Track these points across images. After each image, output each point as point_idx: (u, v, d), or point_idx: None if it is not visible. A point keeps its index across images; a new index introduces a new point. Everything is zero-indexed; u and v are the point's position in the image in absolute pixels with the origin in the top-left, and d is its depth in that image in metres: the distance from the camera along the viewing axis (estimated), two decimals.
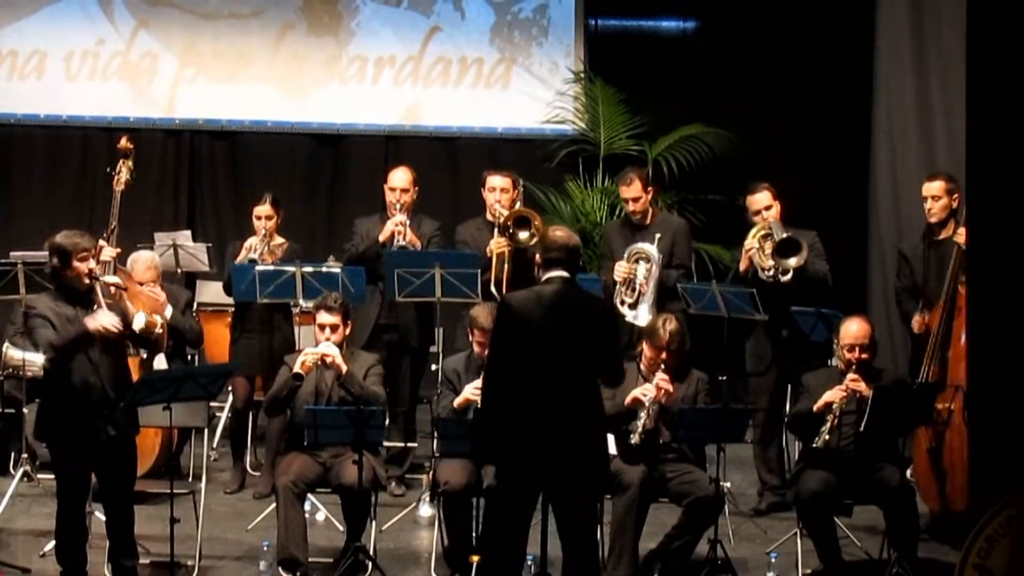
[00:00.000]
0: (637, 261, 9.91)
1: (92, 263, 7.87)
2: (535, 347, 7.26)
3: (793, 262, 9.48)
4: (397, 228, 10.01)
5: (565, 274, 7.39)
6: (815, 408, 8.44)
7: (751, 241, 9.64)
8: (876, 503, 8.52)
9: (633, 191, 10.08)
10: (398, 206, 10.10)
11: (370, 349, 9.61)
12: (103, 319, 7.71)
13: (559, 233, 7.56)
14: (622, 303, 9.83)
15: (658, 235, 9.94)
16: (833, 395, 8.41)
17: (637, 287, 9.85)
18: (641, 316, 9.75)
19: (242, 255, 10.12)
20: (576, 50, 13.39)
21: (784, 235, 9.51)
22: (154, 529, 8.56)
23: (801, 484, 8.45)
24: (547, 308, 7.28)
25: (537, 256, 7.54)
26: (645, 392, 8.38)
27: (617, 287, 9.89)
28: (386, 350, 9.98)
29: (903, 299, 9.87)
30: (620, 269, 9.92)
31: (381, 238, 10.07)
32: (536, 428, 7.21)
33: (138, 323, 7.90)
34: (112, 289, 7.91)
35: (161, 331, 8.10)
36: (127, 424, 7.97)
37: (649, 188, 10.14)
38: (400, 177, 10.22)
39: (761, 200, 9.77)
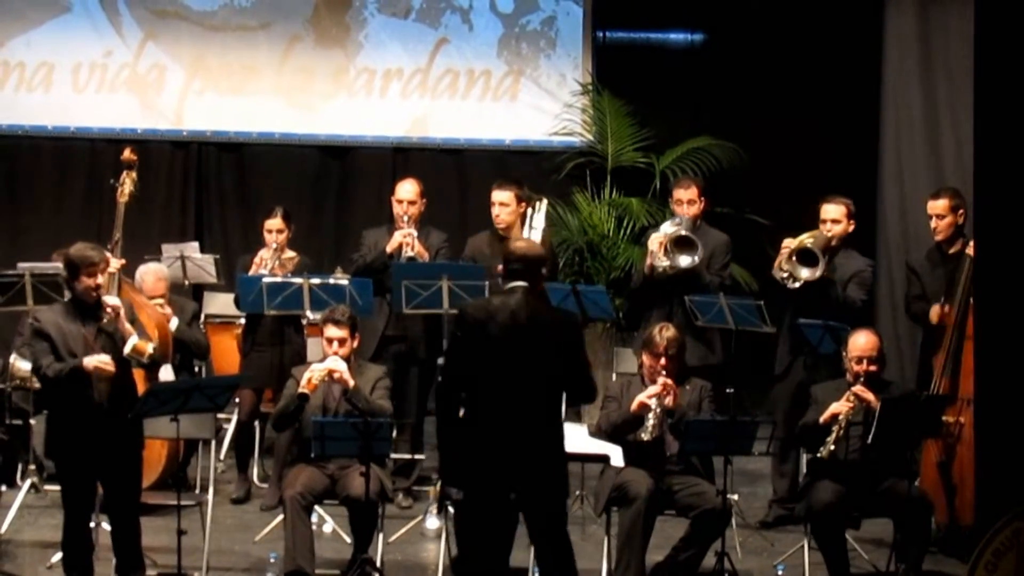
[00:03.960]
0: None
1: (100, 279, 7.91)
2: (492, 355, 7.22)
3: (805, 273, 9.45)
4: (405, 240, 10.02)
5: (525, 284, 7.33)
6: (821, 420, 8.44)
7: (791, 240, 9.59)
8: (888, 515, 8.50)
9: (690, 194, 10.05)
10: (405, 218, 10.11)
11: (377, 360, 9.62)
12: (97, 359, 7.80)
13: (519, 244, 7.55)
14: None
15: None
16: (840, 407, 8.40)
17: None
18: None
19: (253, 271, 10.13)
20: (584, 62, 13.38)
21: (808, 244, 9.47)
22: (161, 541, 8.54)
23: (813, 496, 8.42)
24: (504, 317, 7.22)
25: (499, 266, 7.52)
26: (650, 394, 8.38)
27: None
28: (393, 361, 9.98)
29: (911, 303, 9.80)
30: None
31: (388, 249, 10.07)
32: (497, 439, 7.17)
33: (126, 348, 7.93)
34: (109, 310, 7.93)
35: (148, 360, 8.11)
36: (131, 436, 7.99)
37: (703, 199, 10.12)
38: (407, 189, 10.23)
39: (832, 212, 9.69)
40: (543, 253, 7.66)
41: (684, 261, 9.57)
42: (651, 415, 8.37)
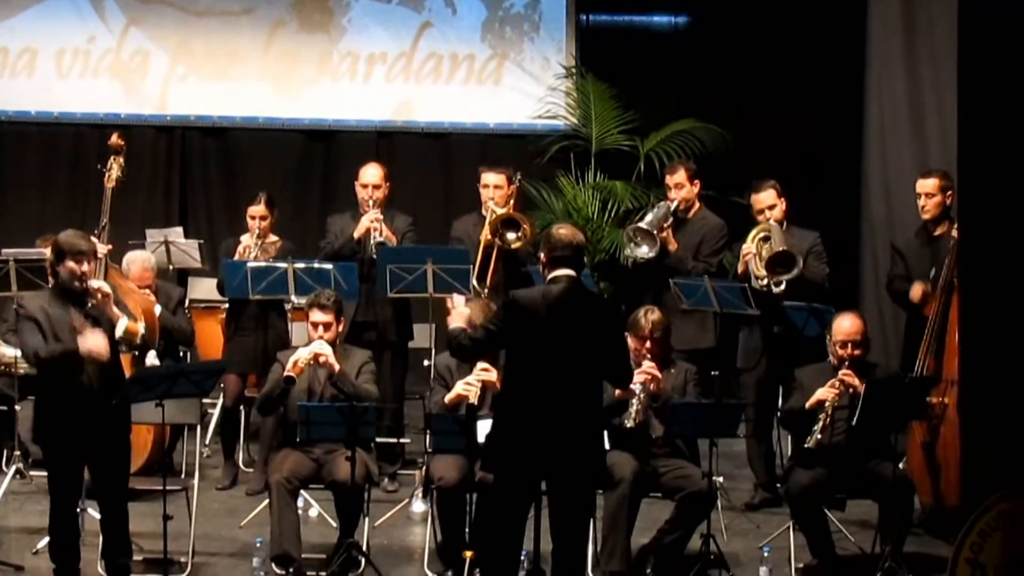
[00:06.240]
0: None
1: (86, 266, 7.86)
2: (539, 345, 7.25)
3: (785, 276, 9.47)
4: (372, 224, 9.98)
5: (571, 273, 7.36)
6: (807, 405, 8.43)
7: (749, 245, 9.63)
8: (871, 496, 8.52)
9: (676, 178, 10.12)
10: (371, 202, 10.07)
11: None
12: (92, 343, 7.74)
13: (564, 231, 7.45)
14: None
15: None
16: (825, 393, 8.39)
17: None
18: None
19: (237, 259, 10.10)
20: (568, 46, 13.39)
21: (780, 248, 9.47)
22: (147, 526, 8.54)
23: (792, 479, 8.46)
24: (553, 307, 7.26)
25: (542, 255, 7.51)
26: (633, 381, 8.37)
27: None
28: (365, 348, 9.93)
29: (893, 281, 9.81)
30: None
31: (356, 235, 10.04)
32: (538, 424, 7.21)
33: (118, 330, 7.91)
34: (99, 296, 7.90)
35: (140, 341, 8.10)
36: (119, 420, 7.98)
37: (695, 181, 10.14)
38: (372, 173, 10.20)
39: (765, 200, 9.75)
40: (584, 240, 7.68)
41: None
42: (635, 400, 8.36)
